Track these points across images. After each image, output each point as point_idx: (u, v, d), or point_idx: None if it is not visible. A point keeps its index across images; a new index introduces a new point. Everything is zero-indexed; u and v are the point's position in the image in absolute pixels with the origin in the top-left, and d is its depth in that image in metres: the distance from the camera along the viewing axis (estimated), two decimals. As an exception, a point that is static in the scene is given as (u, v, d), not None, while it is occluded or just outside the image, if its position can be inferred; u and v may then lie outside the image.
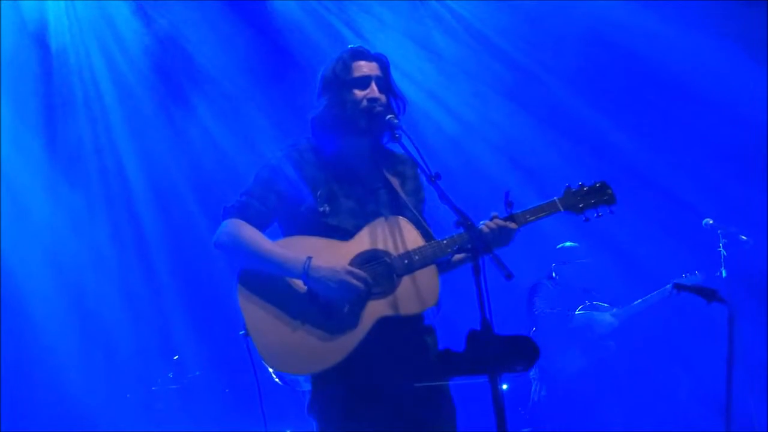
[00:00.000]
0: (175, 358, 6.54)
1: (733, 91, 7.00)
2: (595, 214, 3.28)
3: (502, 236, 3.15)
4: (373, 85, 3.28)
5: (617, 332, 6.35)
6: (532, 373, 6.27)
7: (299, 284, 3.12)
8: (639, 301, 6.36)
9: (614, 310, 6.38)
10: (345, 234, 3.21)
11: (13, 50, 6.79)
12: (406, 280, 3.14)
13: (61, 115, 7.11)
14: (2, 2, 6.61)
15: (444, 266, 3.33)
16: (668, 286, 6.31)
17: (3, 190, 6.75)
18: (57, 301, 6.88)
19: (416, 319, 3.22)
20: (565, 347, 6.21)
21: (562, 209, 3.25)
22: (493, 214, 3.18)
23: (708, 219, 5.82)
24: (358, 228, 3.21)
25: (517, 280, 2.76)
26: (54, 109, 7.09)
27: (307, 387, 3.19)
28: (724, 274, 5.60)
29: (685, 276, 6.27)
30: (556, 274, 6.49)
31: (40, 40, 6.95)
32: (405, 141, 3.18)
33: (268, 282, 3.15)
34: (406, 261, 3.13)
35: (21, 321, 6.74)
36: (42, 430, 6.50)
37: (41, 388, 6.69)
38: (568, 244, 6.51)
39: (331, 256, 3.12)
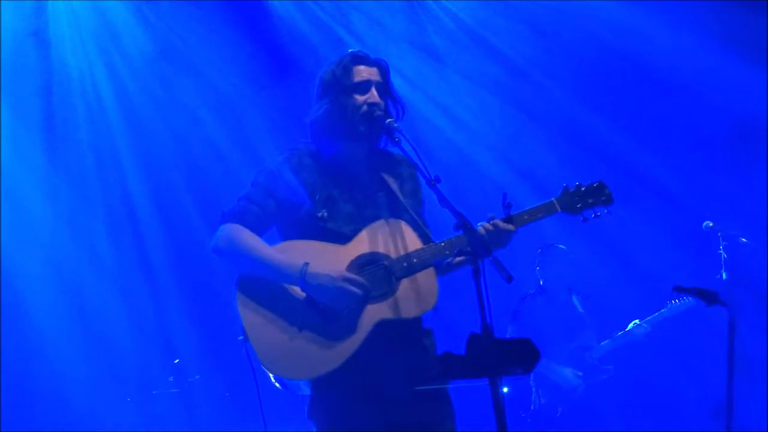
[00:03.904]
0: (176, 361, 6.54)
1: (732, 94, 7.00)
2: (593, 215, 3.28)
3: (500, 238, 3.15)
4: (373, 90, 3.28)
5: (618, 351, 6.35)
6: (531, 380, 6.26)
7: (297, 290, 3.12)
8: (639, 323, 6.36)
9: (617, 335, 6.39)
10: (343, 238, 3.20)
11: (13, 53, 6.79)
12: (405, 283, 3.14)
13: (60, 117, 7.10)
14: (2, 4, 6.60)
15: (443, 269, 3.33)
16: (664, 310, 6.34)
17: (3, 192, 6.74)
18: (57, 304, 6.87)
19: (415, 322, 3.22)
20: (563, 370, 6.18)
21: (559, 210, 3.26)
22: (491, 215, 3.18)
23: (708, 221, 5.82)
24: (356, 232, 3.22)
25: (517, 283, 2.76)
26: (54, 111, 7.08)
27: (307, 391, 3.19)
28: (724, 277, 5.61)
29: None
30: (541, 279, 6.47)
31: (40, 42, 6.95)
32: (404, 144, 3.18)
33: (267, 287, 3.14)
34: (404, 264, 3.14)
35: (21, 324, 6.73)
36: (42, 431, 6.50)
37: (41, 391, 6.68)
38: (549, 245, 6.49)
39: (330, 259, 3.12)
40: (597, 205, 3.29)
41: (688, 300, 6.11)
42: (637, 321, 6.30)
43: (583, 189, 3.30)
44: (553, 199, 3.27)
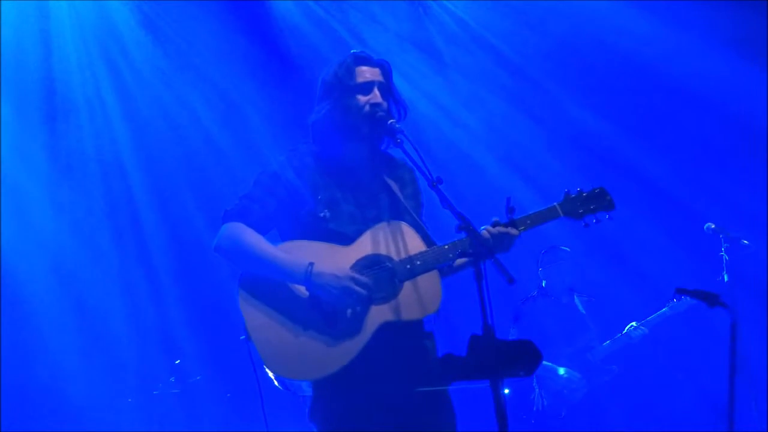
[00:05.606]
0: (177, 362, 6.53)
1: (733, 95, 7.00)
2: (594, 220, 3.30)
3: (503, 242, 3.16)
4: (376, 91, 3.28)
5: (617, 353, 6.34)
6: (534, 382, 6.25)
7: (301, 289, 3.12)
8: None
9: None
10: (346, 239, 3.20)
11: (14, 52, 6.79)
12: (408, 286, 3.14)
13: (62, 117, 7.10)
14: (3, 3, 6.60)
15: (445, 271, 3.33)
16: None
17: (4, 192, 6.74)
18: (58, 304, 6.87)
19: (417, 325, 3.22)
20: (567, 373, 6.17)
21: (562, 215, 3.27)
22: (495, 219, 3.19)
23: (710, 223, 5.81)
24: (358, 233, 3.21)
25: (519, 285, 2.76)
26: (55, 111, 7.08)
27: (308, 392, 3.18)
28: (726, 279, 5.60)
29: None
30: (543, 280, 6.47)
31: (41, 42, 6.94)
32: (406, 146, 3.18)
33: (270, 286, 3.14)
34: (408, 266, 3.13)
35: (22, 324, 6.72)
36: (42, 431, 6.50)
37: (42, 392, 6.68)
38: (552, 247, 6.49)
39: (333, 260, 3.11)
40: (599, 211, 3.30)
41: (687, 300, 6.09)
42: (634, 324, 6.30)
43: (585, 194, 3.31)
44: (555, 204, 3.28)
